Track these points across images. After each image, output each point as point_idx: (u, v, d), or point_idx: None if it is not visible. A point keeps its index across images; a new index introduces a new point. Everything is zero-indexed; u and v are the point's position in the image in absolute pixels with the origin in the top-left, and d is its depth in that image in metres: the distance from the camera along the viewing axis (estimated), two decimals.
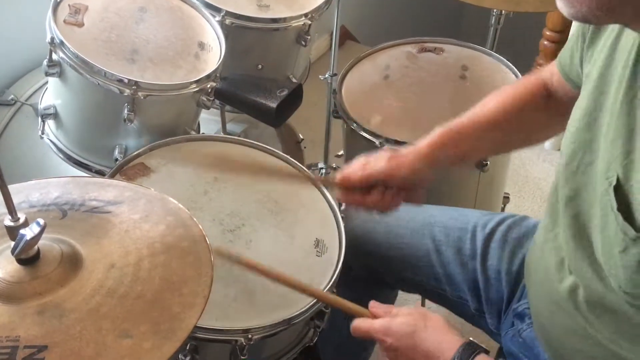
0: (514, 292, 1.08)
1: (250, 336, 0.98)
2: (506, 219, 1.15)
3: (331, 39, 1.76)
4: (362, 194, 1.03)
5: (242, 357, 0.98)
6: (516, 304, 1.06)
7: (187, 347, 1.01)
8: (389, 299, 1.39)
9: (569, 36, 0.97)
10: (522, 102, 1.08)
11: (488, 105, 1.08)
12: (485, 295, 1.11)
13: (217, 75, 1.28)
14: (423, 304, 1.65)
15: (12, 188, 0.68)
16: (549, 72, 1.07)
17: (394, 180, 1.03)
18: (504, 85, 1.12)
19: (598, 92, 0.82)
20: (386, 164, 1.02)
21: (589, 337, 0.85)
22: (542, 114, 1.08)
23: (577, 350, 0.88)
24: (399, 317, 0.90)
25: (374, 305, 0.94)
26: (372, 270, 1.22)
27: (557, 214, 0.90)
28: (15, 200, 0.68)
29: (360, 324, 0.92)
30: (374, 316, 0.92)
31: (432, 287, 1.17)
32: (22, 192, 0.80)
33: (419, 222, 1.18)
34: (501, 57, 1.60)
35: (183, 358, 1.00)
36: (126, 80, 1.16)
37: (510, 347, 1.03)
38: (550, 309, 0.91)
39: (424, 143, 1.05)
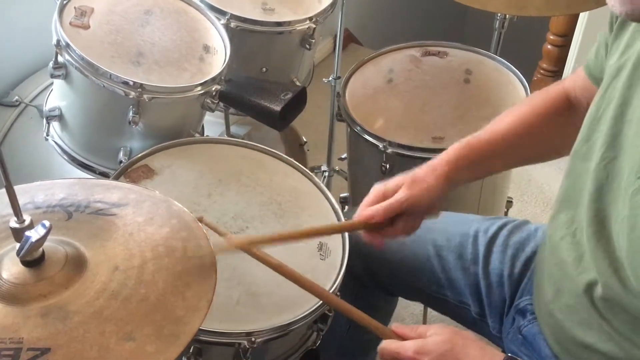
0: (515, 293, 1.08)
1: (253, 339, 0.98)
2: (507, 224, 1.15)
3: (335, 42, 1.76)
4: (386, 226, 1.01)
5: None
6: (517, 301, 1.05)
7: (191, 350, 1.00)
8: (390, 306, 1.39)
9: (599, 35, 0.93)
10: (543, 112, 1.05)
11: (506, 119, 1.06)
12: (487, 299, 1.11)
13: (222, 78, 1.29)
14: (425, 312, 1.64)
15: (17, 189, 0.68)
16: (572, 80, 1.04)
17: (417, 208, 1.00)
18: (524, 98, 1.08)
19: (627, 87, 0.81)
20: (407, 193, 0.99)
21: (603, 333, 0.84)
22: (564, 125, 1.04)
23: (586, 345, 0.87)
24: (432, 335, 0.87)
25: (398, 326, 0.91)
26: (372, 277, 1.22)
27: (576, 209, 0.88)
28: (21, 201, 0.68)
29: (388, 345, 0.88)
30: (400, 337, 0.89)
31: (434, 293, 1.17)
32: (28, 193, 0.80)
33: (419, 228, 1.18)
34: (505, 61, 1.60)
35: None
36: (131, 83, 1.16)
37: (511, 347, 1.03)
38: (567, 303, 0.90)
39: (441, 164, 1.02)
